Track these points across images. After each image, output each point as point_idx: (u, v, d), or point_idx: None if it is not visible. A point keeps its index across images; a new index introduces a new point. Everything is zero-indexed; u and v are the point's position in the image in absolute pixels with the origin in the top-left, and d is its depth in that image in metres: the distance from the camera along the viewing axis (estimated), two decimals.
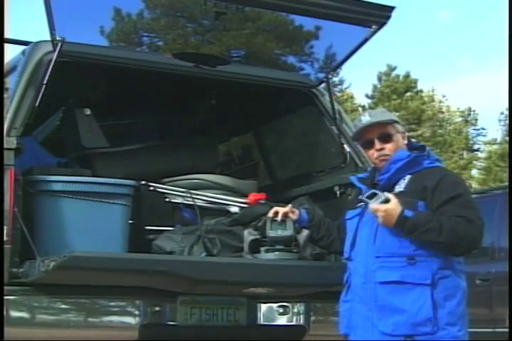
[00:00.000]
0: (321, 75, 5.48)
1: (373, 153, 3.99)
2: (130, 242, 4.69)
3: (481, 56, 64.04)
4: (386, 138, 3.95)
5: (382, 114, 4.11)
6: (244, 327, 4.62)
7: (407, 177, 3.88)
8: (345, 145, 5.30)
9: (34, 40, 4.87)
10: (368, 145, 4.02)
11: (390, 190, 3.87)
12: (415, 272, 3.72)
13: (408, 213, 3.69)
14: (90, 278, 4.17)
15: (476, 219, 3.73)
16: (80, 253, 3.98)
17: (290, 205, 4.42)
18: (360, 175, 4.18)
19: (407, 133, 4.09)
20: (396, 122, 4.02)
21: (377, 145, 3.96)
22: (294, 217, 4.33)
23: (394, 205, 3.69)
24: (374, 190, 3.78)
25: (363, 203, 3.94)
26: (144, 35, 5.46)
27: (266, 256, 4.47)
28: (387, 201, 3.69)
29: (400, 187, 3.87)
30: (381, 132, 3.96)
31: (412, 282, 3.71)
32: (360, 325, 3.83)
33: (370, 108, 34.99)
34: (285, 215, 4.33)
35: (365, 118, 4.02)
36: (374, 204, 3.71)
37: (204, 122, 5.98)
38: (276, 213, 4.34)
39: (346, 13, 4.60)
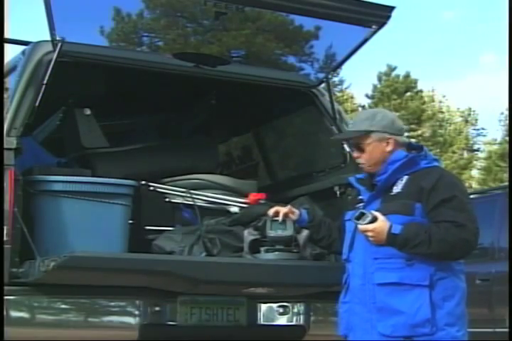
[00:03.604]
0: (321, 75, 5.48)
1: None
2: (130, 242, 4.69)
3: (482, 56, 64.06)
4: (359, 149, 4.00)
5: (359, 124, 4.03)
6: (244, 327, 4.62)
7: (405, 178, 3.88)
8: (345, 145, 5.30)
9: (34, 40, 4.87)
10: (352, 151, 4.17)
11: (388, 191, 3.88)
12: (413, 273, 3.72)
13: (396, 229, 3.71)
14: (90, 278, 4.17)
15: (469, 223, 3.72)
16: (80, 253, 3.98)
17: (289, 206, 4.43)
18: (359, 176, 4.18)
19: (398, 137, 3.95)
20: (372, 132, 3.93)
21: (355, 153, 4.05)
22: (293, 217, 4.33)
23: (381, 223, 3.72)
24: (361, 210, 3.81)
25: (361, 204, 3.96)
26: (144, 35, 5.46)
27: (266, 256, 4.46)
28: (374, 220, 3.73)
29: (397, 188, 3.87)
30: (355, 142, 4.03)
31: (410, 283, 3.71)
32: (359, 327, 3.83)
33: (370, 108, 35.05)
34: (285, 216, 4.34)
35: (349, 126, 4.10)
36: (362, 225, 3.75)
37: (204, 122, 5.98)
38: (276, 213, 4.35)
39: (346, 13, 4.60)
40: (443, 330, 3.69)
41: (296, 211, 4.35)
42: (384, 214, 3.77)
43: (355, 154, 4.03)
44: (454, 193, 3.78)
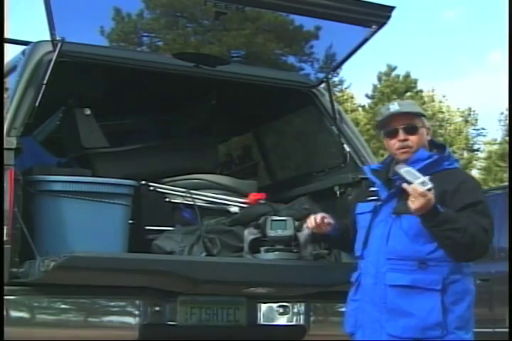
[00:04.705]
0: (321, 75, 5.48)
1: (395, 143, 3.87)
2: (130, 242, 4.69)
3: (481, 56, 64.10)
4: (411, 130, 3.85)
5: (411, 106, 4.04)
6: (244, 327, 4.62)
7: None
8: (345, 145, 5.30)
9: (34, 40, 4.88)
10: (392, 134, 3.89)
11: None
12: (426, 277, 3.66)
13: (441, 208, 3.59)
14: (90, 278, 4.17)
15: (490, 229, 3.71)
16: (80, 253, 3.98)
17: (324, 215, 4.05)
18: (374, 166, 4.08)
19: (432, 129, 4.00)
20: (424, 116, 3.95)
21: (401, 135, 3.85)
22: (328, 228, 4.04)
23: (432, 196, 3.56)
24: (410, 169, 3.61)
25: (375, 197, 3.85)
26: (144, 35, 5.46)
27: (266, 256, 4.47)
28: (430, 189, 3.54)
29: None
30: (408, 123, 3.87)
31: (422, 287, 3.66)
32: (368, 326, 3.77)
33: (370, 108, 35.04)
34: (318, 227, 4.02)
35: (394, 107, 3.91)
36: (421, 189, 3.51)
37: (204, 122, 5.98)
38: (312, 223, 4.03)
39: (346, 13, 4.61)
40: (453, 333, 3.65)
41: (331, 221, 4.04)
42: (401, 213, 3.70)
43: (403, 136, 3.83)
44: (480, 198, 3.75)
